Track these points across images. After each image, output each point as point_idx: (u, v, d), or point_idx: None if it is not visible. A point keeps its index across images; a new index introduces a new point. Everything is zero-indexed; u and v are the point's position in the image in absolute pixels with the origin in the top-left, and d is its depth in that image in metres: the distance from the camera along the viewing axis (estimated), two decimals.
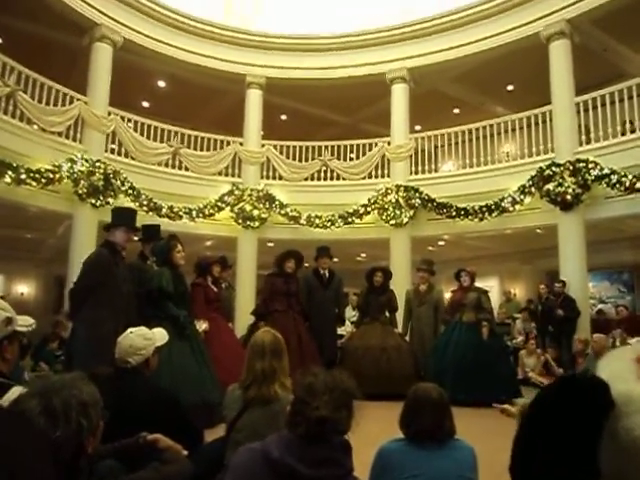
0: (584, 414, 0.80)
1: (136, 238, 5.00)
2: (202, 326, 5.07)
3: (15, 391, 1.67)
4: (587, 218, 8.15)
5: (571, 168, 8.06)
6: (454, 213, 9.21)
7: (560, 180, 8.13)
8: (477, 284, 6.82)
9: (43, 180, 7.81)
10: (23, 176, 7.54)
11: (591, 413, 0.80)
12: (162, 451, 1.84)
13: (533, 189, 8.48)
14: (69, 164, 8.19)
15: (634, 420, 0.78)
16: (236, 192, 9.96)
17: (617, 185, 7.63)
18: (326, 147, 10.51)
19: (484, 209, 8.92)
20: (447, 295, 7.48)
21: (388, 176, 10.06)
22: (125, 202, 8.93)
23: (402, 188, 9.66)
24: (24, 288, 13.40)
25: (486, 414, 5.07)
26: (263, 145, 10.56)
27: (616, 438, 0.79)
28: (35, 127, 8.14)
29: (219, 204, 9.83)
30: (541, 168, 8.38)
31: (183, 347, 4.45)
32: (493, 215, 8.88)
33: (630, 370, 0.83)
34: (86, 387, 1.35)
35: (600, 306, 10.77)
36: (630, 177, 7.48)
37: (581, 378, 0.86)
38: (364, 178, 10.24)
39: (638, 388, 0.80)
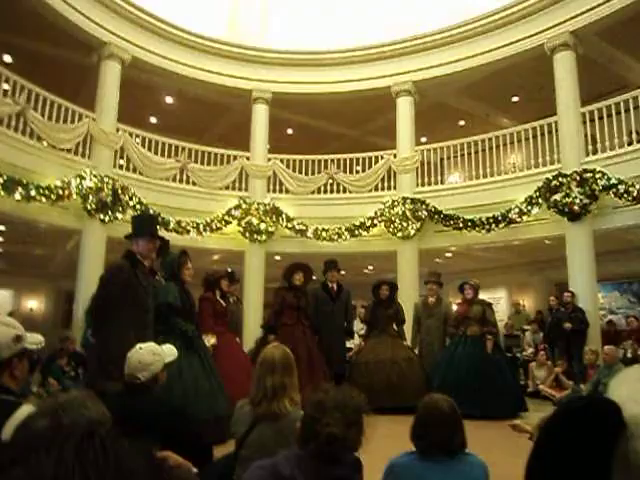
0: (595, 435, 0.79)
1: None
2: (210, 341, 5.07)
3: (24, 410, 1.67)
4: (595, 228, 8.10)
5: (578, 178, 8.04)
6: (461, 225, 9.20)
7: (567, 191, 8.10)
8: (486, 296, 6.79)
9: (52, 196, 7.89)
10: (33, 193, 7.62)
11: (603, 434, 0.79)
12: (172, 468, 1.83)
13: (540, 200, 8.46)
14: (78, 180, 8.27)
15: None
16: (243, 206, 10.00)
17: (625, 195, 7.59)
18: (332, 160, 10.55)
19: (491, 220, 8.90)
20: (455, 307, 7.45)
21: (394, 188, 10.08)
22: None
23: (409, 200, 9.66)
24: (33, 303, 13.46)
25: (492, 427, 5.03)
26: (270, 159, 10.62)
27: (626, 460, 0.78)
28: (44, 144, 8.24)
29: (226, 218, 9.87)
30: (548, 179, 8.36)
31: (193, 362, 4.45)
32: (500, 226, 8.86)
33: None
34: (95, 406, 1.35)
35: (610, 317, 10.66)
36: (638, 187, 7.45)
37: (593, 399, 0.86)
38: (370, 191, 10.26)
39: None
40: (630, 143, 8.07)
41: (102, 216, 8.52)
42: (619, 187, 7.65)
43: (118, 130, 9.25)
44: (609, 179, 7.77)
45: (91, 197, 8.40)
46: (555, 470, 0.81)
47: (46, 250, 10.85)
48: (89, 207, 8.40)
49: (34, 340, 2.12)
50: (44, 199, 7.80)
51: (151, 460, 1.06)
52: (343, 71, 10.55)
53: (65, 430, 0.84)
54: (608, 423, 0.78)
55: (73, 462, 0.78)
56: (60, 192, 8.00)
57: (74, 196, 8.23)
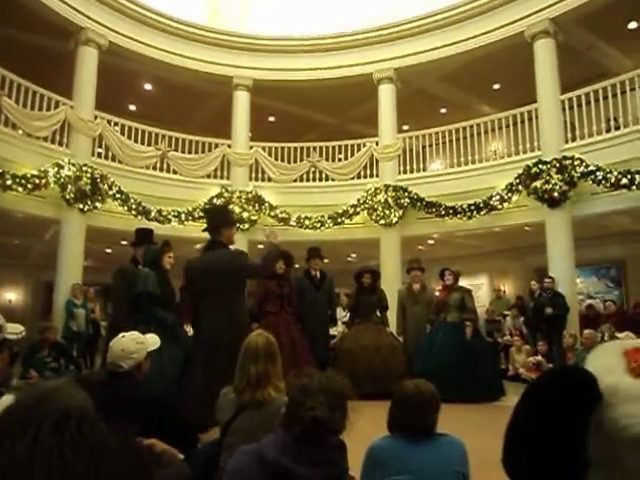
0: (572, 406, 0.81)
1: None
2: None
3: (6, 399, 1.65)
4: (574, 215, 8.22)
5: (557, 165, 8.14)
6: (443, 212, 9.27)
7: (547, 177, 8.20)
8: (468, 282, 6.87)
9: (29, 186, 7.75)
10: (9, 182, 7.48)
11: (579, 405, 0.81)
12: (158, 455, 1.83)
13: (520, 187, 8.55)
14: (56, 169, 8.12)
15: (620, 411, 0.79)
16: (225, 194, 9.94)
17: (603, 181, 7.71)
18: (314, 148, 10.52)
19: (472, 207, 8.98)
20: (437, 294, 7.52)
21: (377, 176, 10.09)
22: (113, 206, 8.89)
23: (391, 188, 9.69)
24: (12, 295, 13.25)
25: (472, 410, 5.15)
26: (251, 147, 10.55)
27: (602, 429, 0.81)
28: (20, 132, 8.07)
29: (208, 207, 9.79)
30: (528, 166, 8.45)
31: (176, 353, 4.41)
32: (481, 213, 8.94)
33: (617, 363, 0.85)
34: (77, 393, 1.34)
35: (589, 301, 10.87)
36: (615, 173, 7.56)
37: (569, 370, 0.88)
38: (353, 178, 10.26)
39: (625, 380, 0.81)
40: (608, 130, 8.17)
41: (81, 205, 8.39)
42: (597, 174, 7.76)
43: (96, 118, 9.08)
44: (587, 166, 7.88)
45: (69, 186, 8.26)
46: (532, 439, 0.83)
47: (24, 241, 10.67)
48: (68, 196, 8.26)
49: (14, 330, 2.09)
50: (21, 188, 7.65)
51: (132, 443, 1.06)
52: (325, 58, 10.48)
53: (41, 414, 0.83)
54: (583, 392, 0.80)
55: (50, 443, 0.78)
56: (37, 181, 7.85)
57: (52, 185, 8.09)
